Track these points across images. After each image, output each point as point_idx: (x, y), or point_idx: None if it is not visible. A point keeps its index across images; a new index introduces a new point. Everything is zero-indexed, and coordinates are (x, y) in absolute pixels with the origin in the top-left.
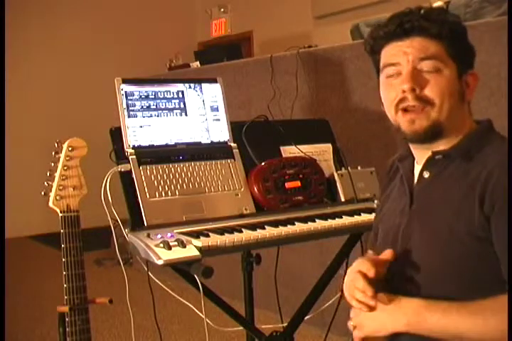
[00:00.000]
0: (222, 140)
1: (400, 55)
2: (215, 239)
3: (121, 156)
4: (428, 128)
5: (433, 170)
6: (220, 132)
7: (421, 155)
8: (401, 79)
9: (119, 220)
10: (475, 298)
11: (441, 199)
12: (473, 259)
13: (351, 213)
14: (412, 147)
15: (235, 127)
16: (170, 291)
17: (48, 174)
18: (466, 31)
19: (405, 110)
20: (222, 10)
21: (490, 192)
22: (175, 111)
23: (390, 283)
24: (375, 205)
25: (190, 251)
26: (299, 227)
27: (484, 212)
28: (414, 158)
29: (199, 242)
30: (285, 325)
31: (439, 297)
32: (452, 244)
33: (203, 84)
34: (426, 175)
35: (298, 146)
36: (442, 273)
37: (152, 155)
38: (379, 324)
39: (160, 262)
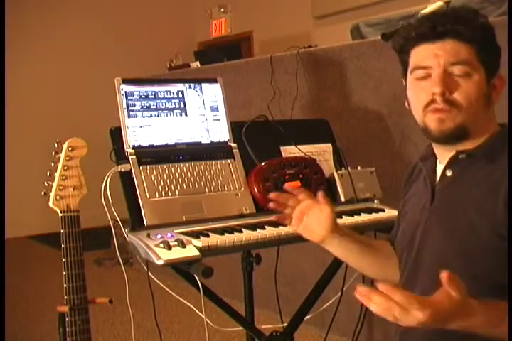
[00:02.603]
0: (222, 140)
1: (431, 57)
2: (215, 239)
3: (121, 156)
4: (454, 130)
5: (456, 169)
6: (220, 132)
7: (444, 154)
8: (431, 81)
9: (119, 220)
10: (490, 295)
11: (463, 197)
12: (493, 255)
13: (351, 213)
14: (436, 147)
15: (235, 127)
16: (170, 291)
17: (48, 174)
18: (494, 33)
19: (433, 111)
20: (222, 10)
21: None
22: (175, 111)
23: (406, 277)
24: (375, 205)
25: (190, 251)
26: None
27: None
28: (436, 158)
29: (199, 242)
30: (285, 325)
31: None
32: (472, 239)
33: (203, 84)
34: (448, 173)
35: (298, 146)
36: (459, 268)
37: (152, 155)
38: None
39: (160, 262)
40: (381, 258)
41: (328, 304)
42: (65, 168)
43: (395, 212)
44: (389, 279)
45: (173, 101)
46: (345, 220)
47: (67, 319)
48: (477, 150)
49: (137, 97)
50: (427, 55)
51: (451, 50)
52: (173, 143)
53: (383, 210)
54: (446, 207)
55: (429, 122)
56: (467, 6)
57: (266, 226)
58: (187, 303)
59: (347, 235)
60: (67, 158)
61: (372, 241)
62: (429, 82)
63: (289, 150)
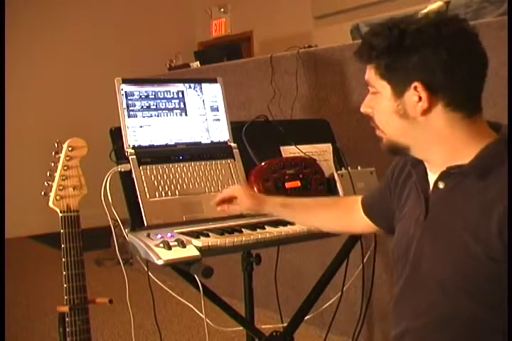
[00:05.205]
0: (222, 140)
1: None
2: (215, 239)
3: (121, 156)
4: (387, 147)
5: (448, 182)
6: (220, 132)
7: (433, 165)
8: None
9: (119, 220)
10: (487, 314)
11: (457, 214)
12: (487, 277)
13: None
14: None
15: (235, 127)
16: (170, 291)
17: (48, 174)
18: (406, 40)
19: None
20: (222, 10)
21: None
22: (175, 111)
23: (401, 291)
24: None
25: (190, 251)
26: (299, 227)
27: (504, 241)
28: (424, 165)
29: (199, 242)
30: (285, 325)
31: (450, 310)
32: (466, 260)
33: (203, 84)
34: (441, 185)
35: (298, 146)
36: (453, 286)
37: (152, 155)
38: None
39: (160, 262)
40: (338, 214)
41: (328, 304)
42: (65, 168)
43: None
44: (351, 231)
45: (173, 101)
46: None
47: (67, 319)
48: (469, 167)
49: (137, 97)
50: None
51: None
52: (173, 143)
53: None
54: (439, 224)
55: None
56: (391, 19)
57: (266, 226)
58: (187, 303)
59: (279, 206)
60: (67, 158)
61: (324, 202)
62: None
63: (289, 150)
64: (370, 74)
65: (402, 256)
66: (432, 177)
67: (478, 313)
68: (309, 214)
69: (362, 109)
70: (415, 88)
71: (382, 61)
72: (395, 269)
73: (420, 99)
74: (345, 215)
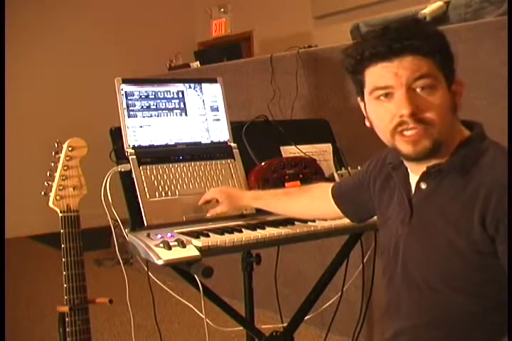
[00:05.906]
0: (222, 140)
1: (391, 76)
2: (215, 239)
3: (121, 156)
4: (431, 148)
5: (430, 182)
6: (220, 132)
7: (415, 167)
8: (396, 103)
9: (119, 220)
10: (477, 308)
11: (440, 213)
12: (475, 271)
13: None
14: (405, 161)
15: (235, 127)
16: (170, 291)
17: (48, 174)
18: (447, 40)
19: (404, 132)
20: (222, 10)
21: (492, 213)
22: (175, 111)
23: (393, 293)
24: None
25: (190, 251)
26: (299, 227)
27: (488, 232)
28: (406, 166)
29: (199, 242)
30: (285, 325)
31: (441, 308)
32: (452, 257)
33: (203, 84)
34: (423, 186)
35: (298, 146)
36: (442, 285)
37: (152, 155)
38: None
39: (160, 262)
40: (305, 202)
41: (328, 304)
42: (65, 168)
43: None
44: (319, 218)
45: (173, 101)
46: (345, 220)
47: (67, 319)
48: (447, 165)
49: (137, 97)
50: (386, 74)
51: (411, 66)
52: (173, 143)
53: None
54: (424, 224)
55: (400, 145)
56: (414, 17)
57: (266, 227)
58: (187, 303)
59: (252, 198)
60: (67, 158)
61: (292, 190)
62: (393, 103)
63: (289, 150)
64: (430, 66)
65: (392, 259)
66: (414, 179)
67: (469, 309)
68: (278, 203)
69: (409, 110)
70: (459, 83)
71: (443, 53)
72: (386, 272)
73: (458, 93)
74: (313, 203)
